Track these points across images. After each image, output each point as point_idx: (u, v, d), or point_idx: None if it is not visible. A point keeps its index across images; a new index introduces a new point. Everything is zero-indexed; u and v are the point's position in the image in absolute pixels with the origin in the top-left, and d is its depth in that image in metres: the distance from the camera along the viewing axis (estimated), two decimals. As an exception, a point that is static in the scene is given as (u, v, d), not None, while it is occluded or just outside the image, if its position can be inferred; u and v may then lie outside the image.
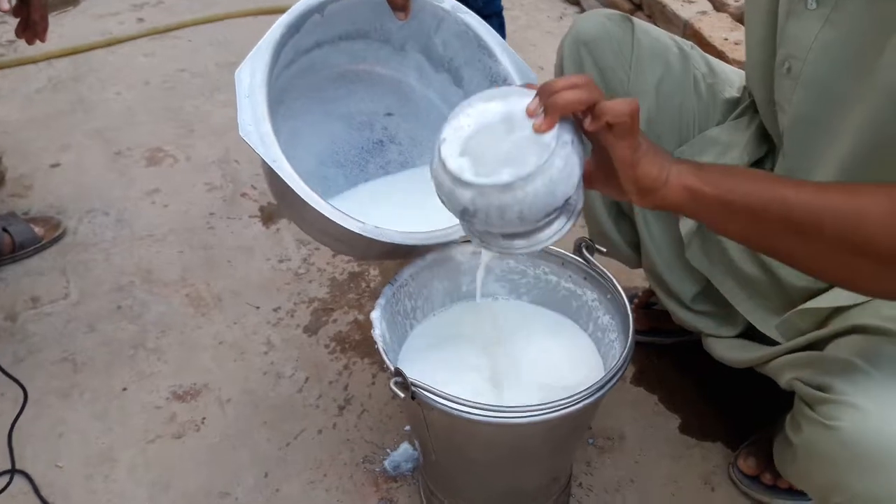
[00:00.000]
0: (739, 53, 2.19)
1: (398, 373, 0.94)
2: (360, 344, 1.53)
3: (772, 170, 1.14)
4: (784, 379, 0.98)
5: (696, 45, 1.23)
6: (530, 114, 0.79)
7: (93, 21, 2.85)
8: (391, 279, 1.13)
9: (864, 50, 0.87)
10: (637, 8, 2.64)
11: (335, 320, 1.59)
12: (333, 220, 1.01)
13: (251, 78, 1.04)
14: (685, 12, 2.42)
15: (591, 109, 0.77)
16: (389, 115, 1.32)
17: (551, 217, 0.84)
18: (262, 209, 1.90)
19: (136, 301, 1.64)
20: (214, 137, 2.16)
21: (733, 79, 1.24)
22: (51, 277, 1.70)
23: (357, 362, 1.49)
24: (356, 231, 1.02)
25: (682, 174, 0.77)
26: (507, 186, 0.78)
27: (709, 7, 2.45)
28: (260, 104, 1.02)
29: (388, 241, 1.05)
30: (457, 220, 1.04)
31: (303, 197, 1.00)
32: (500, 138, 0.81)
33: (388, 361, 0.99)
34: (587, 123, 0.77)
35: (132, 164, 2.06)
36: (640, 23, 1.20)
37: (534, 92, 0.80)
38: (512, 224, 0.82)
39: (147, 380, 1.47)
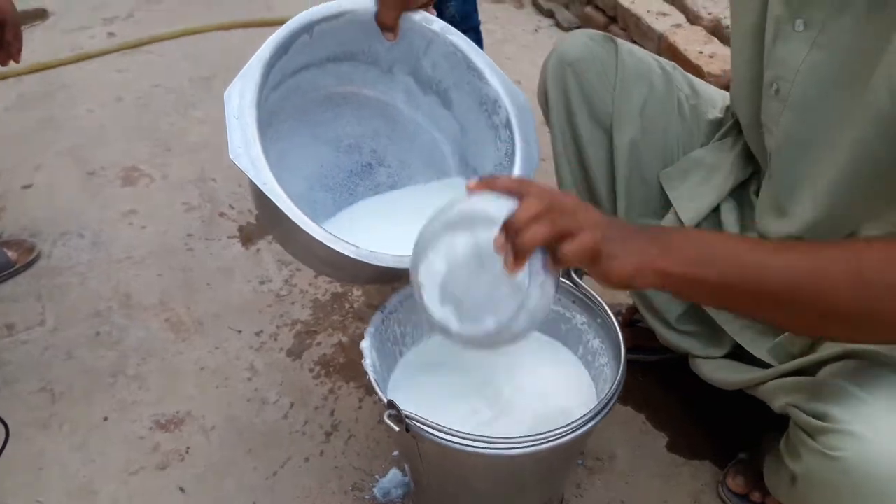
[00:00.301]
0: (715, 66, 2.21)
1: (391, 405, 0.93)
2: (345, 367, 1.51)
3: (757, 190, 1.15)
4: (777, 403, 0.98)
5: (678, 66, 1.24)
6: (498, 250, 0.80)
7: (62, 36, 2.81)
8: (380, 305, 1.12)
9: (852, 72, 0.88)
10: (611, 21, 2.65)
11: (319, 343, 1.57)
12: (327, 244, 0.99)
13: (240, 98, 1.01)
14: (659, 25, 2.43)
15: (558, 238, 0.78)
16: (377, 137, 1.31)
17: None
18: (240, 229, 1.87)
19: (115, 327, 1.61)
20: (191, 155, 2.13)
21: (716, 99, 1.25)
22: (26, 303, 1.66)
23: (342, 386, 1.48)
24: (351, 256, 1.00)
25: (654, 260, 0.78)
26: (493, 333, 0.86)
27: (683, 20, 2.47)
28: (250, 125, 1.00)
29: (383, 265, 1.04)
30: None
31: (296, 221, 0.98)
32: (474, 279, 0.86)
33: (380, 394, 0.98)
34: (550, 264, 0.81)
35: (107, 185, 2.02)
36: (624, 43, 1.20)
37: (498, 219, 0.81)
38: (497, 345, 0.91)
39: (129, 409, 1.44)
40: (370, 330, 1.08)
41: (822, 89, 0.93)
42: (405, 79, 1.24)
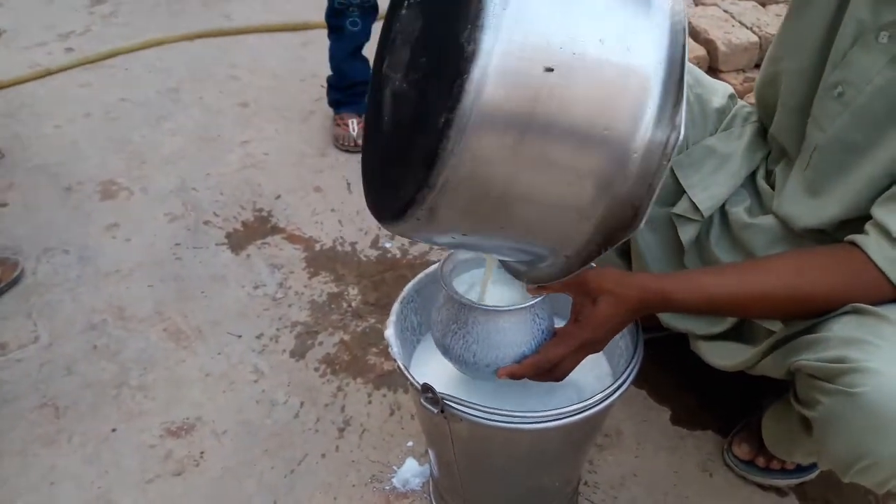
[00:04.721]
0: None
1: (427, 388, 0.95)
2: (351, 364, 1.53)
3: (766, 176, 1.20)
4: (783, 366, 1.02)
5: None
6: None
7: (17, 53, 2.75)
8: (399, 296, 1.14)
9: None
10: (572, 16, 2.71)
11: (321, 343, 1.58)
12: None
13: None
14: None
15: None
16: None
17: None
18: (228, 236, 1.87)
19: (112, 339, 1.59)
20: (168, 167, 2.12)
21: (717, 88, 1.28)
22: (16, 321, 1.64)
23: (350, 383, 1.49)
24: None
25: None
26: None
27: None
28: None
29: None
30: None
31: None
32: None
33: (412, 379, 1.00)
34: None
35: (85, 200, 2.00)
36: None
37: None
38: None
39: (136, 419, 1.43)
40: (392, 319, 1.10)
41: (888, 103, 0.95)
42: None
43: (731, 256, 1.21)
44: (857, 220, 1.01)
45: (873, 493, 1.28)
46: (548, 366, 0.95)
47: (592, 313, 0.93)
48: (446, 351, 1.03)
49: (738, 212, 1.19)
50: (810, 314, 0.95)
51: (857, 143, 1.00)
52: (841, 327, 0.92)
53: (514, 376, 0.96)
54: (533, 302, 0.97)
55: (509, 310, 0.97)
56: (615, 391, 0.98)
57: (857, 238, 0.94)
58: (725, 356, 1.20)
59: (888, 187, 0.96)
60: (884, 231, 0.92)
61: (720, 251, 1.22)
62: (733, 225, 1.20)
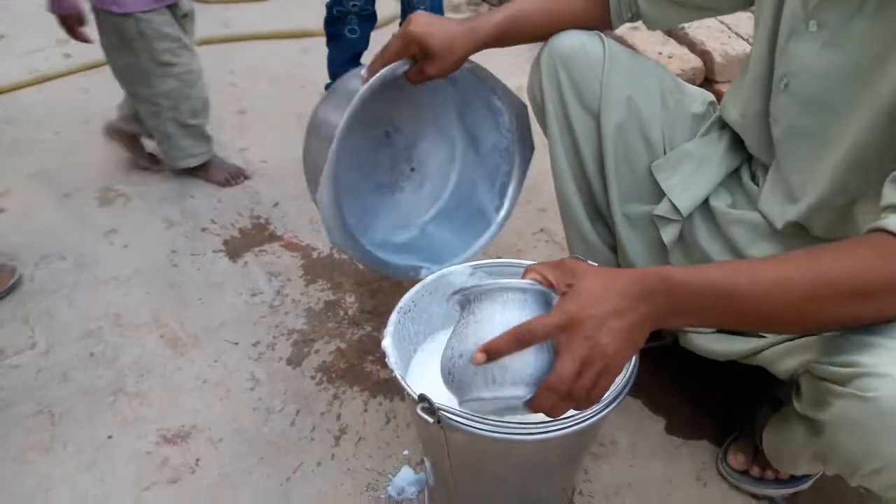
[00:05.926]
0: (673, 66, 2.30)
1: (423, 399, 0.96)
2: (347, 372, 1.53)
3: (752, 177, 1.22)
4: (784, 367, 1.02)
5: (660, 63, 1.30)
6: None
7: (15, 59, 2.77)
8: (397, 306, 1.15)
9: (863, 67, 0.95)
10: (569, 26, 2.72)
11: (317, 350, 1.59)
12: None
13: None
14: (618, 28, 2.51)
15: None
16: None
17: None
18: (226, 243, 1.88)
19: (109, 346, 1.60)
20: (165, 172, 2.12)
21: (696, 95, 1.33)
22: (12, 328, 1.64)
23: (346, 391, 1.50)
24: None
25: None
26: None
27: (638, 22, 2.55)
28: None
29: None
30: None
31: None
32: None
33: (409, 390, 1.00)
34: None
35: (83, 206, 2.00)
36: (611, 40, 1.27)
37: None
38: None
39: (132, 426, 1.43)
40: (389, 329, 1.11)
41: (829, 86, 0.99)
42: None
43: (718, 250, 1.22)
44: (834, 210, 1.04)
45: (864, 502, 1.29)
46: (529, 336, 0.84)
47: (575, 287, 0.84)
48: (443, 372, 0.96)
49: (722, 206, 1.22)
50: (832, 313, 0.85)
51: (811, 131, 1.04)
52: (848, 329, 0.89)
53: (492, 351, 0.85)
54: (510, 283, 0.89)
55: (490, 288, 0.89)
56: (612, 402, 0.99)
57: (873, 224, 0.86)
58: (721, 343, 1.20)
59: (853, 171, 0.98)
60: None
61: (706, 244, 1.23)
62: (719, 220, 1.23)
